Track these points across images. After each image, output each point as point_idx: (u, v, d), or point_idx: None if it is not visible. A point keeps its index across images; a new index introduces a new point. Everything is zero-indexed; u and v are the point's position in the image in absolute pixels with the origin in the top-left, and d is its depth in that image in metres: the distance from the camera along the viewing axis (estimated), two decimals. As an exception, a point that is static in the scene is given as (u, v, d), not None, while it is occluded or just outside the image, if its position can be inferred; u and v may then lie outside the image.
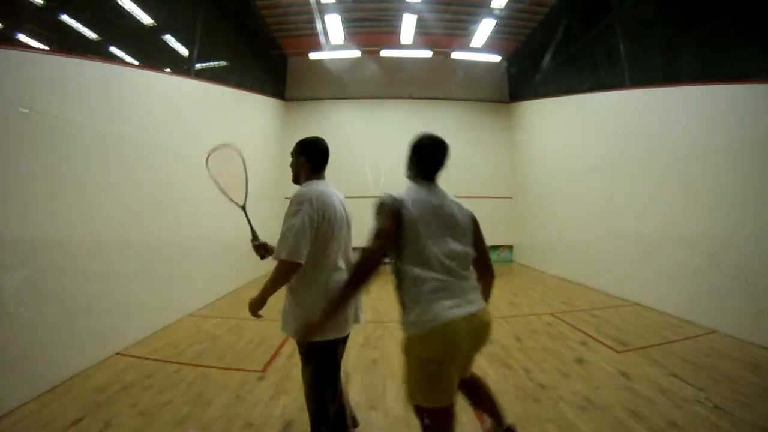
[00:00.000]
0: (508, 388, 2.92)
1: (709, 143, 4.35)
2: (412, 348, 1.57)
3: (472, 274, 1.66)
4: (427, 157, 1.86)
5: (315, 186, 1.89)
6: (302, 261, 1.71)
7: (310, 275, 1.80)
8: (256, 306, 1.82)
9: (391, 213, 1.58)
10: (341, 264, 1.90)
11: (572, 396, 2.76)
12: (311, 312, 1.67)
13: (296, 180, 2.07)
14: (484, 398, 2.03)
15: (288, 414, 2.58)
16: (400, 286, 1.60)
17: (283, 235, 1.73)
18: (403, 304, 1.59)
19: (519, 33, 9.27)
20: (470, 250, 1.66)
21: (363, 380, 3.11)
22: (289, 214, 1.77)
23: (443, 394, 1.54)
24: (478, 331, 1.58)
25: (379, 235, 1.55)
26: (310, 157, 2.03)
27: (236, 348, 3.89)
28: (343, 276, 1.80)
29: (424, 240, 1.55)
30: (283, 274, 1.74)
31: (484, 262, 1.75)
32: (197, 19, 6.31)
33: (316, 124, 10.55)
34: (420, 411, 1.59)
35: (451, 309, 1.49)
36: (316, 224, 1.76)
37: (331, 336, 1.81)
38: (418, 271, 1.52)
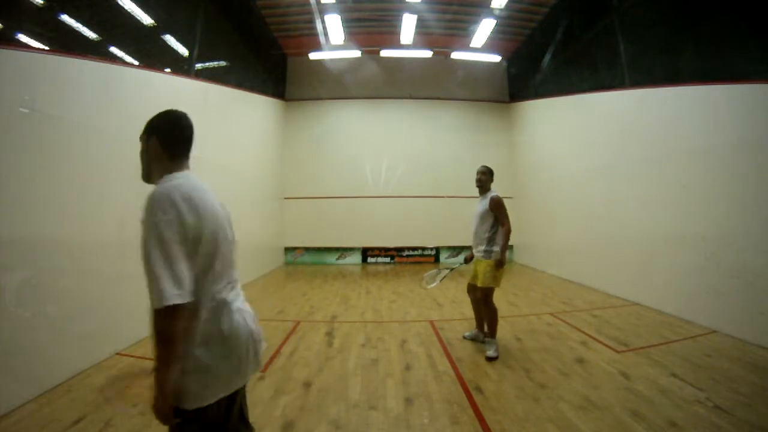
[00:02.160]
0: (508, 388, 2.92)
1: (709, 143, 4.35)
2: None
3: None
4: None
5: (178, 180, 1.27)
6: (189, 298, 1.16)
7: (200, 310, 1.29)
8: (163, 406, 1.16)
9: None
10: (227, 295, 1.31)
11: (572, 396, 2.77)
12: (191, 370, 1.21)
13: (148, 176, 1.39)
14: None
15: (288, 414, 2.58)
16: (493, 237, 3.61)
17: (149, 273, 1.14)
18: (492, 244, 3.61)
19: (519, 33, 9.28)
20: None
21: (363, 380, 3.11)
22: (147, 235, 1.16)
23: (498, 283, 3.64)
24: None
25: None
26: (165, 139, 1.34)
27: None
28: (233, 314, 1.30)
29: None
30: (171, 329, 1.12)
31: None
32: (197, 19, 6.32)
33: (316, 124, 10.57)
34: (487, 289, 3.63)
35: None
36: (191, 238, 1.20)
37: (212, 397, 1.25)
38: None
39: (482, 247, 3.65)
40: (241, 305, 1.38)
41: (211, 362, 1.23)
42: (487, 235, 3.63)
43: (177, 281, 1.13)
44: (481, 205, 3.72)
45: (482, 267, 3.64)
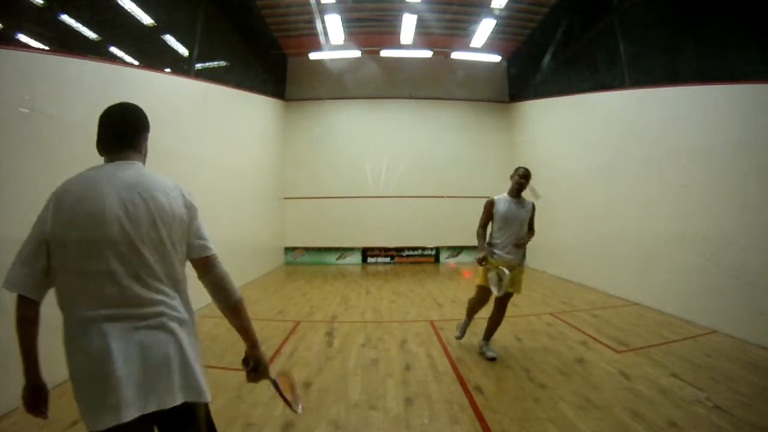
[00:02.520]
0: (508, 388, 2.92)
1: (709, 143, 4.35)
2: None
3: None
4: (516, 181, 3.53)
5: (76, 175, 1.23)
6: (18, 290, 1.11)
7: (64, 325, 1.18)
8: (26, 394, 1.22)
9: (486, 207, 3.55)
10: (91, 313, 1.10)
11: (572, 396, 2.76)
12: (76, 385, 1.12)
13: None
14: None
15: (288, 414, 2.58)
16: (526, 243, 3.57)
17: None
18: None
19: (519, 33, 9.28)
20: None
21: (363, 380, 3.11)
22: None
23: None
24: None
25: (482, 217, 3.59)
26: (97, 134, 1.33)
27: (236, 348, 3.88)
28: (91, 336, 1.09)
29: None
30: (14, 314, 1.15)
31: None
32: (197, 19, 6.32)
33: (316, 124, 10.58)
34: (511, 295, 3.60)
35: None
36: (46, 240, 1.11)
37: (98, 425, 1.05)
38: None
39: (522, 252, 3.57)
40: (126, 333, 1.10)
41: (74, 386, 1.12)
42: (526, 240, 3.56)
43: (18, 270, 1.11)
44: (523, 210, 3.53)
45: (519, 272, 3.55)
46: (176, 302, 1.20)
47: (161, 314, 1.15)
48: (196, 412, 1.20)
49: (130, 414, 1.04)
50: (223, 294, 1.27)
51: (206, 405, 1.25)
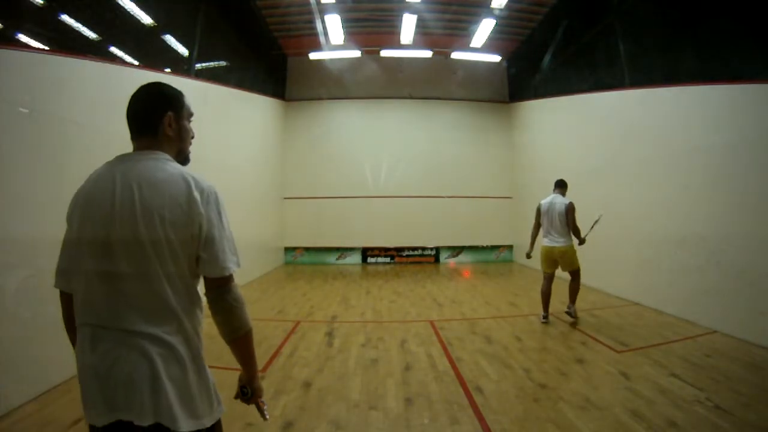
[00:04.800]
0: (508, 388, 2.92)
1: (709, 143, 4.35)
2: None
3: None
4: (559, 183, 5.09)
5: (93, 172, 1.17)
6: (60, 285, 1.26)
7: None
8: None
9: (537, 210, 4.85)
10: (81, 316, 1.12)
11: (572, 396, 2.77)
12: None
13: None
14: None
15: (288, 414, 2.58)
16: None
17: None
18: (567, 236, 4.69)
19: (519, 33, 9.27)
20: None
21: (363, 380, 3.11)
22: None
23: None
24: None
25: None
26: None
27: (236, 348, 3.89)
28: (82, 338, 1.09)
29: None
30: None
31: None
32: (197, 19, 6.32)
33: (316, 124, 10.57)
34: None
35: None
36: (68, 233, 1.19)
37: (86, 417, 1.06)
38: None
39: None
40: (103, 344, 1.05)
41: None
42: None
43: (58, 265, 1.22)
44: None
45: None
46: (163, 323, 1.08)
47: (138, 333, 1.04)
48: None
49: (101, 421, 1.03)
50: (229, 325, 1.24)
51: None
